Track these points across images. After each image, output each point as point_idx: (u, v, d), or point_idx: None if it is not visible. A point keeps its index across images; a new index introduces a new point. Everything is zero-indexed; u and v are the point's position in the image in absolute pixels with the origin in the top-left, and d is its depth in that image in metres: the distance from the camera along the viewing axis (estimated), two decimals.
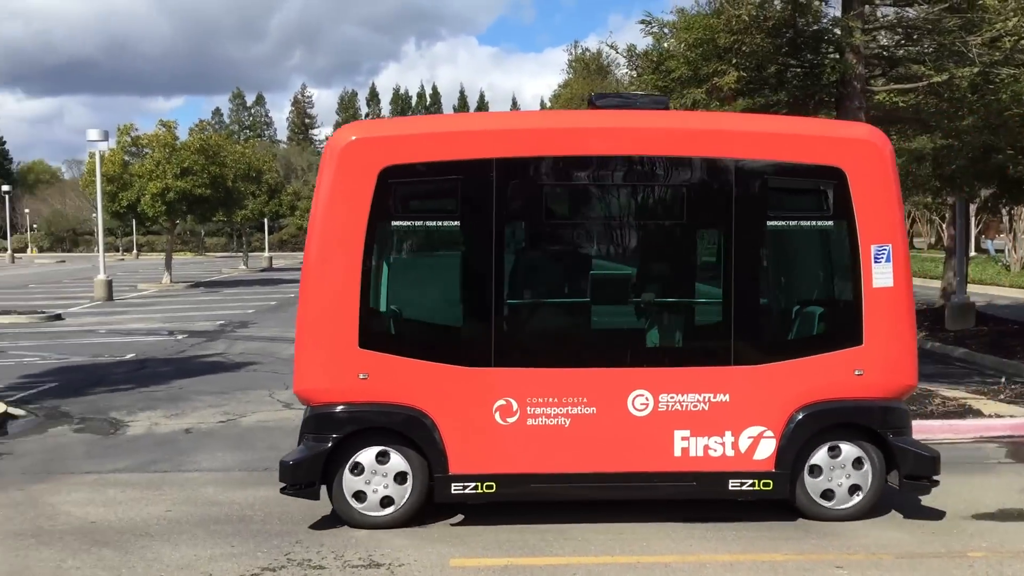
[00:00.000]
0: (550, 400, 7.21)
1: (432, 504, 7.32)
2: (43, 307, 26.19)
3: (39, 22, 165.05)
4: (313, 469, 7.15)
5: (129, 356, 16.85)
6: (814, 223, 7.57)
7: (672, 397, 7.26)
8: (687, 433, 7.29)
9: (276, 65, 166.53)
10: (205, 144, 35.46)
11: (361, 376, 7.16)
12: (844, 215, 7.36)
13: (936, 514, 7.62)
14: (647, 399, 7.25)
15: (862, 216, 7.34)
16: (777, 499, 7.45)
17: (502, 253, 7.34)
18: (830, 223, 7.50)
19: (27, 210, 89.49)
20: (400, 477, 7.23)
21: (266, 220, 61.63)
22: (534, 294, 7.73)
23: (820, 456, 7.39)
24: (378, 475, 7.22)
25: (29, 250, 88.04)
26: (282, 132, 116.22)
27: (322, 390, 7.27)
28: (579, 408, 7.23)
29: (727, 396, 7.30)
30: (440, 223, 7.42)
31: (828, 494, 7.43)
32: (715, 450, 7.31)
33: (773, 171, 7.39)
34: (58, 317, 24.01)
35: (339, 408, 7.24)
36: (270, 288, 34.32)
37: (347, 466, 7.21)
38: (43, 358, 16.75)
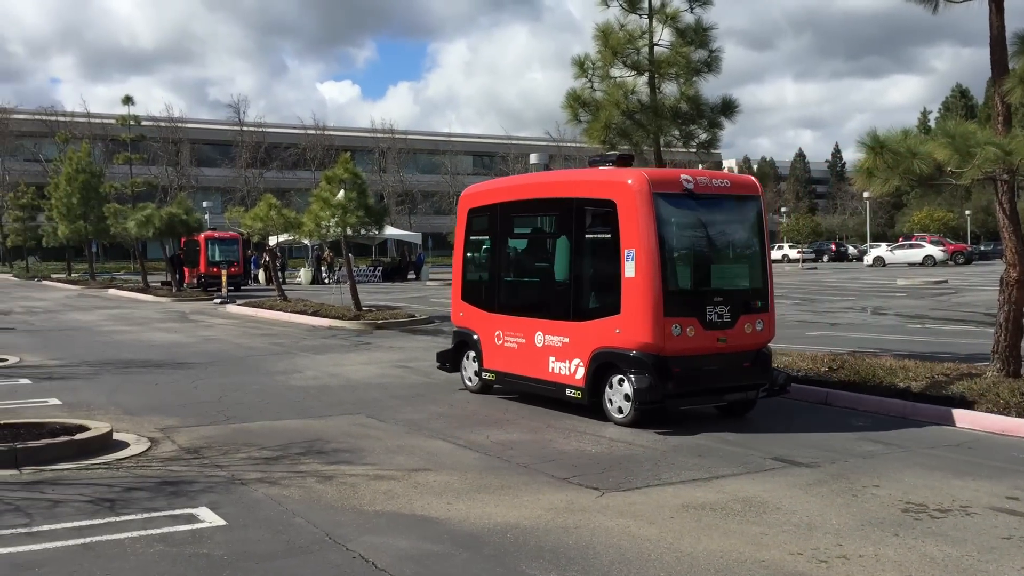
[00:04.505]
0: (511, 334, 13.21)
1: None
2: None
3: None
4: (445, 358, 14.67)
5: None
6: (606, 235, 11.64)
7: (549, 337, 12.49)
8: (554, 359, 12.41)
9: None
10: None
11: (460, 314, 14.33)
12: (615, 230, 11.41)
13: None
14: (542, 337, 12.63)
15: (623, 230, 11.31)
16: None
17: (502, 253, 13.64)
18: (609, 235, 11.54)
19: None
20: (475, 361, 14.08)
21: None
22: (508, 276, 13.64)
23: (607, 391, 11.64)
24: (470, 363, 14.22)
25: None
26: None
27: (454, 319, 14.64)
28: (520, 339, 13.05)
29: (568, 339, 12.17)
30: (484, 237, 14.03)
31: (621, 410, 11.59)
32: (562, 371, 12.25)
33: (588, 203, 11.89)
34: None
35: (455, 330, 14.54)
36: None
37: (464, 361, 14.40)
38: None
